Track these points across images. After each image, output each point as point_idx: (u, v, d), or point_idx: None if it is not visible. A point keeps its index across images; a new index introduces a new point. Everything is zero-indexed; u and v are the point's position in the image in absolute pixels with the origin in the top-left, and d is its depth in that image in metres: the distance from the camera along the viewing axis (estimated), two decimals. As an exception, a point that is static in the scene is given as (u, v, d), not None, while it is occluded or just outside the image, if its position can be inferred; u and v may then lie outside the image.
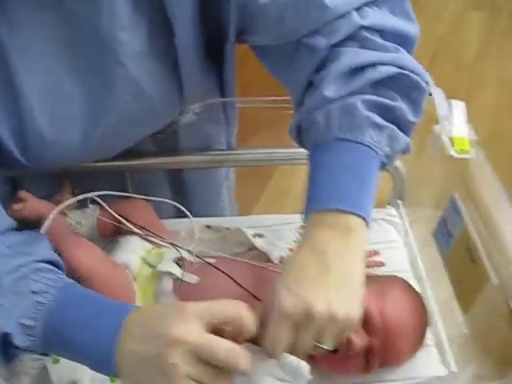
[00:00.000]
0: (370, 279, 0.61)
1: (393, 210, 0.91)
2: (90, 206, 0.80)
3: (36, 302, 0.56)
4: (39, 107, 0.67)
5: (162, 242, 0.76)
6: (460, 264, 0.72)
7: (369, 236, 0.60)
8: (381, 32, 0.65)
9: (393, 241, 0.88)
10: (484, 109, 2.35)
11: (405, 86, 0.64)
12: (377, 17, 0.65)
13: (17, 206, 0.75)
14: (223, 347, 0.51)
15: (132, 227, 0.77)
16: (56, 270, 0.61)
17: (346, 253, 0.57)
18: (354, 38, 0.64)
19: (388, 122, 0.63)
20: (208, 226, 0.85)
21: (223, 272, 0.70)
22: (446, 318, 0.77)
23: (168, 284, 0.71)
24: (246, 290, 0.68)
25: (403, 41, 0.66)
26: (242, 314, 0.54)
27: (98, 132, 0.71)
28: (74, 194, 0.80)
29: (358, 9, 0.64)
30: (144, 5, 0.65)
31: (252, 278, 0.71)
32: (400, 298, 0.70)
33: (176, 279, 0.71)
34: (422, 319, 0.71)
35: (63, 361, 0.64)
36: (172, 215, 0.88)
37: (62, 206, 0.75)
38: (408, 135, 0.66)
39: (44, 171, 0.78)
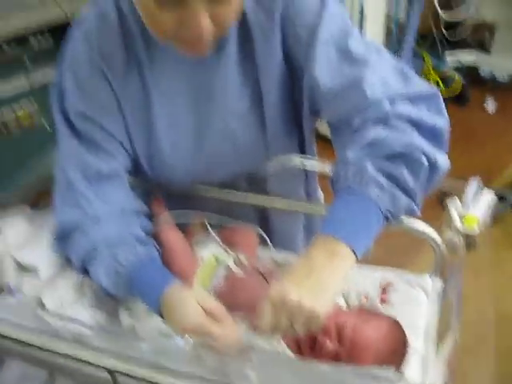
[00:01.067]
0: (369, 311, 0.83)
1: (427, 278, 1.05)
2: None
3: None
4: (164, 136, 0.99)
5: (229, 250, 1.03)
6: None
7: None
8: (407, 119, 0.84)
9: (418, 301, 1.01)
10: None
11: (408, 159, 0.82)
12: (403, 107, 0.85)
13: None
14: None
15: (217, 237, 1.05)
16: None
17: (327, 269, 0.77)
18: (380, 119, 0.85)
19: (392, 185, 0.82)
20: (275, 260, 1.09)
21: (262, 274, 0.94)
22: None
23: (222, 271, 0.96)
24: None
25: (431, 131, 0.85)
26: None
27: (202, 162, 1.01)
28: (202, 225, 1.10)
29: (390, 99, 0.85)
30: (247, 78, 0.95)
31: None
32: (380, 326, 0.86)
33: (230, 271, 0.96)
34: (396, 350, 0.83)
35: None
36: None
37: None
38: (412, 199, 0.84)
39: (164, 185, 1.09)
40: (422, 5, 3.33)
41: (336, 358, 0.83)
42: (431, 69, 3.61)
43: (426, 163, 0.83)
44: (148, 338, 0.84)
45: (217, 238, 1.05)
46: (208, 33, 0.80)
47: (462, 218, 0.90)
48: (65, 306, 0.93)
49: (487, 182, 2.96)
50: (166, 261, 0.97)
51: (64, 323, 0.82)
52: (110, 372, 0.79)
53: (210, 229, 1.07)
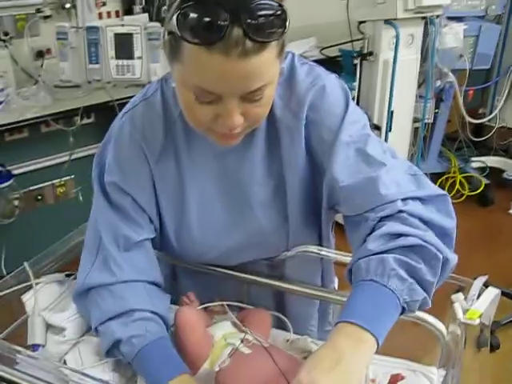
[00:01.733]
0: None
1: (434, 369, 1.07)
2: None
3: (144, 336, 0.96)
4: (195, 216, 1.08)
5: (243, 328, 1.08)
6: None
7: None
8: (418, 218, 0.91)
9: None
10: None
11: (426, 254, 0.87)
12: (415, 207, 0.92)
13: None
14: None
15: (231, 315, 1.12)
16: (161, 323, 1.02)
17: (353, 357, 0.79)
18: (395, 216, 0.92)
19: (410, 277, 0.86)
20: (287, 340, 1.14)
21: (266, 349, 0.98)
22: None
23: (228, 350, 1.00)
24: (279, 368, 0.93)
25: (440, 231, 0.91)
26: None
27: (226, 242, 1.10)
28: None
29: (403, 199, 0.93)
30: (272, 170, 1.05)
31: (286, 365, 0.93)
32: None
33: (235, 348, 1.00)
34: None
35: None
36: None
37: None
38: (427, 292, 0.88)
39: (190, 262, 1.18)
40: (448, 108, 3.48)
41: None
42: (457, 170, 3.70)
43: (441, 259, 0.88)
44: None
45: (232, 316, 1.11)
46: (239, 127, 0.89)
47: (465, 311, 0.94)
48: (86, 367, 0.99)
49: (509, 284, 2.94)
50: (181, 338, 1.03)
51: (82, 379, 0.87)
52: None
53: (227, 308, 1.14)
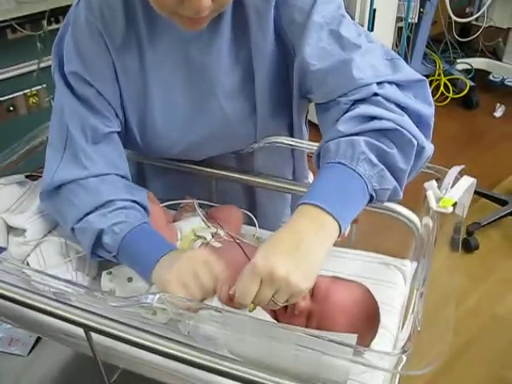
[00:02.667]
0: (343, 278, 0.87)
1: (407, 262, 1.07)
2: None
3: (138, 224, 0.92)
4: (158, 110, 1.02)
5: (209, 224, 1.05)
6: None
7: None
8: (394, 103, 0.86)
9: (395, 282, 1.03)
10: None
11: (400, 139, 0.83)
12: (392, 91, 0.87)
13: None
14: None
15: (199, 211, 1.08)
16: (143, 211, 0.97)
17: (314, 240, 0.76)
18: (369, 99, 0.87)
19: (381, 163, 0.82)
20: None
21: (238, 244, 0.95)
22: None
23: (199, 244, 0.98)
24: (248, 258, 0.90)
25: (417, 118, 0.87)
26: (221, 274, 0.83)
27: (191, 135, 1.04)
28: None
29: (379, 83, 0.87)
30: (240, 58, 0.98)
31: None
32: (352, 289, 0.88)
33: (205, 242, 0.98)
34: (367, 314, 0.85)
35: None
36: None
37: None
38: (398, 181, 0.84)
39: (153, 156, 1.13)
40: (434, 7, 3.34)
41: (309, 317, 0.84)
42: (441, 72, 3.61)
43: (416, 146, 0.84)
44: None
45: (200, 213, 1.08)
46: (207, 10, 0.82)
47: (438, 199, 0.91)
48: (48, 267, 0.96)
49: (492, 186, 2.97)
50: None
51: (45, 279, 0.84)
52: (85, 329, 0.82)
53: (196, 206, 1.10)
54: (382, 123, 0.83)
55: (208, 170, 1.16)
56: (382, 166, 0.82)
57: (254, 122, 1.04)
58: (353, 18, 0.96)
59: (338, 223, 0.77)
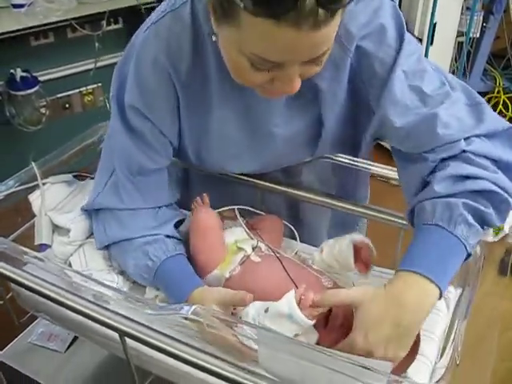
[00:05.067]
0: None
1: (451, 288, 1.02)
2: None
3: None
4: (214, 142, 1.01)
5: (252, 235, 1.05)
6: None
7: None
8: (484, 157, 0.85)
9: (438, 309, 0.99)
10: None
11: (496, 200, 0.83)
12: (480, 146, 0.85)
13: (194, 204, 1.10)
14: None
15: (242, 223, 1.08)
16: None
17: (417, 314, 0.76)
18: (459, 156, 0.86)
19: (477, 223, 0.82)
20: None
21: (278, 258, 0.96)
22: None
23: (240, 257, 0.97)
24: (288, 274, 0.91)
25: (508, 167, 0.86)
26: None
27: (245, 165, 1.07)
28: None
29: (466, 138, 0.86)
30: (298, 106, 0.96)
31: (297, 274, 0.92)
32: None
33: (246, 255, 0.97)
34: None
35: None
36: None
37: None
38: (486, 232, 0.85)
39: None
40: (497, 21, 3.24)
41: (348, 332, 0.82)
42: (501, 89, 3.50)
43: (509, 204, 0.84)
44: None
45: (242, 223, 1.08)
46: (298, 87, 0.79)
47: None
48: (90, 269, 0.97)
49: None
50: (197, 240, 1.00)
51: (86, 281, 0.85)
52: (120, 334, 0.82)
53: (238, 215, 1.11)
54: (478, 184, 0.83)
55: (253, 180, 1.15)
56: (478, 226, 0.82)
57: (312, 153, 1.05)
58: (412, 33, 0.93)
59: (440, 291, 0.77)
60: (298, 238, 1.14)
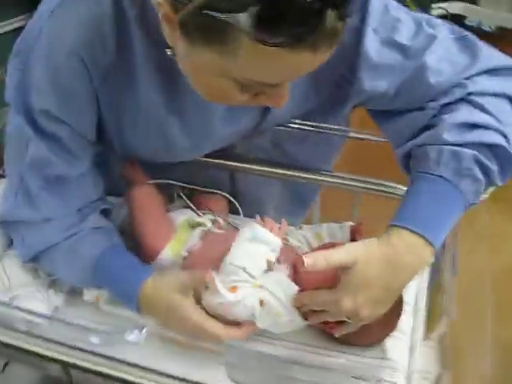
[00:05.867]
0: None
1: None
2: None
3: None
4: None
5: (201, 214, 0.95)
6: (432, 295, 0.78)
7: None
8: (494, 95, 0.77)
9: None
10: None
11: (504, 156, 0.75)
12: (483, 84, 0.77)
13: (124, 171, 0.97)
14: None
15: (189, 203, 0.98)
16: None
17: (409, 277, 0.72)
18: (466, 100, 0.77)
19: (483, 180, 0.75)
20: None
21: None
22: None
23: (199, 232, 0.88)
24: None
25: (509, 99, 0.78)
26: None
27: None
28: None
29: (467, 78, 0.77)
30: None
31: None
32: None
33: (206, 230, 0.88)
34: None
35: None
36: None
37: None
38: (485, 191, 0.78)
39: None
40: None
41: None
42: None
43: None
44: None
45: (190, 203, 0.99)
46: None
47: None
48: (14, 286, 0.84)
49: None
50: (139, 219, 0.89)
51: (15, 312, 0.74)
52: (63, 365, 0.71)
53: (182, 195, 1.01)
54: (489, 136, 0.75)
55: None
56: (484, 183, 0.75)
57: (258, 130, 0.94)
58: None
59: (434, 250, 0.72)
60: (241, 213, 1.05)
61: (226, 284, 0.74)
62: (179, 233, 0.89)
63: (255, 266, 0.77)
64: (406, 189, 0.95)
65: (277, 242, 0.79)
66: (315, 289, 0.75)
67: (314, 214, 1.19)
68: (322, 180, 1.01)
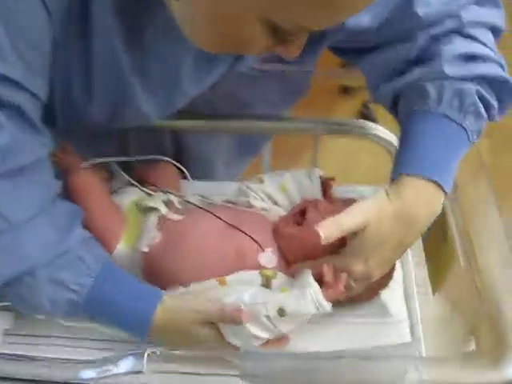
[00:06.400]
0: None
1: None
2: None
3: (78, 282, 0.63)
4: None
5: (151, 192, 0.80)
6: (435, 243, 0.72)
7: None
8: (484, 26, 0.71)
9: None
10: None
11: (502, 89, 0.70)
12: (478, 13, 0.71)
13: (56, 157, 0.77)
14: None
15: (130, 179, 0.82)
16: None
17: (422, 229, 0.66)
18: (460, 30, 0.70)
19: (485, 116, 0.70)
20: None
21: (203, 209, 0.75)
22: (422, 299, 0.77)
23: (154, 220, 0.74)
24: (224, 221, 0.72)
25: (498, 35, 0.73)
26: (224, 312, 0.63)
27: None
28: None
29: (459, 7, 0.70)
30: None
31: (231, 217, 0.74)
32: None
33: (161, 216, 0.74)
34: None
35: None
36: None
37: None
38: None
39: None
40: None
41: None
42: None
43: None
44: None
45: (132, 180, 0.82)
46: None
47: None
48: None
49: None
50: (85, 210, 0.71)
51: None
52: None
53: (118, 169, 0.84)
54: (491, 68, 0.70)
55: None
56: (486, 119, 0.71)
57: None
58: None
59: (445, 196, 0.67)
60: (189, 177, 0.92)
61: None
62: (130, 220, 0.75)
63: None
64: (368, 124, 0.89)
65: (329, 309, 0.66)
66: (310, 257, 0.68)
67: (264, 158, 1.08)
68: (279, 127, 0.90)
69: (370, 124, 0.88)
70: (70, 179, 0.74)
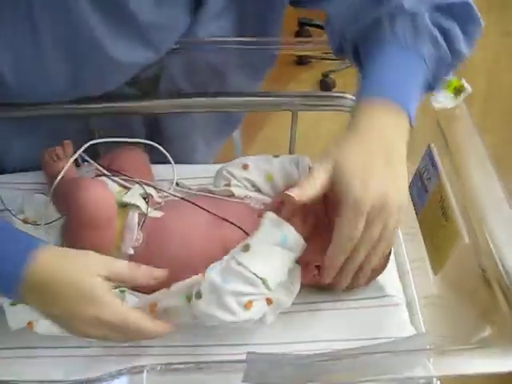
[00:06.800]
0: None
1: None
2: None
3: None
4: None
5: (127, 184, 0.74)
6: (433, 221, 0.68)
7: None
8: None
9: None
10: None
11: (464, 16, 0.69)
12: None
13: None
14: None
15: (103, 170, 0.76)
16: None
17: (401, 147, 0.62)
18: None
19: (444, 44, 0.68)
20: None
21: (187, 200, 0.71)
22: (418, 278, 0.74)
23: (134, 218, 0.69)
24: (210, 212, 0.69)
25: None
26: (136, 275, 0.60)
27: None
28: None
29: None
30: None
31: (215, 208, 0.71)
32: None
33: (142, 214, 0.70)
34: None
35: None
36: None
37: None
38: (453, 66, 0.71)
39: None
40: None
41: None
42: None
43: (480, 20, 0.70)
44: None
45: (105, 170, 0.76)
46: None
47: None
48: None
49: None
50: (90, 231, 0.67)
51: None
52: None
53: (86, 157, 0.78)
54: None
55: (79, 106, 0.80)
56: (446, 48, 0.68)
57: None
58: None
59: (409, 114, 0.64)
60: (173, 164, 0.82)
61: (242, 297, 0.60)
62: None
63: (276, 277, 0.62)
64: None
65: (302, 244, 0.64)
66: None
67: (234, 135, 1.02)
68: (256, 101, 0.85)
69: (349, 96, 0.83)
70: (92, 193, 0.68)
